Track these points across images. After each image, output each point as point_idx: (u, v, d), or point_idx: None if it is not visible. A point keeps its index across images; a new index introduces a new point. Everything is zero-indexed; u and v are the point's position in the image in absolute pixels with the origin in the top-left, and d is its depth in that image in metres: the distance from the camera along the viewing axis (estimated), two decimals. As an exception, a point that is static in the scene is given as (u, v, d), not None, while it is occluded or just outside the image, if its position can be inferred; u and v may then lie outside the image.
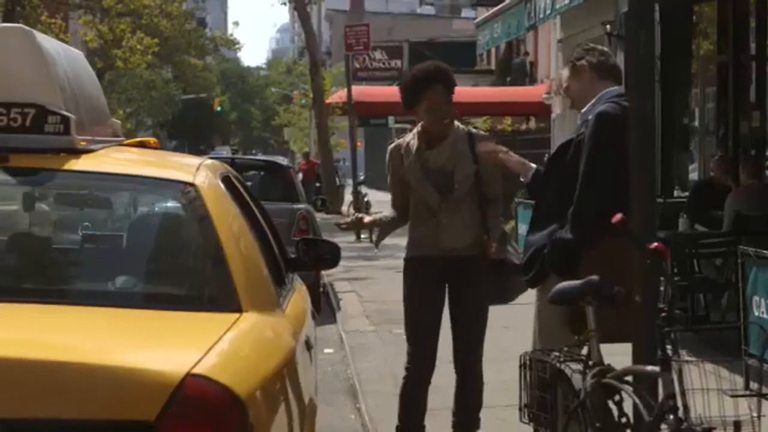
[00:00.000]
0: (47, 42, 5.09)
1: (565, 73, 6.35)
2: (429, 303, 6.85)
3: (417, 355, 6.87)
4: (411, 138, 6.96)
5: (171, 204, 5.12)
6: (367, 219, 7.10)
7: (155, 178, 5.09)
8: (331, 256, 5.89)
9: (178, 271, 4.78)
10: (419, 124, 6.98)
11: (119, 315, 4.31)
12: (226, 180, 5.29)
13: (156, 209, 5.33)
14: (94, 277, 4.80)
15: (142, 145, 5.64)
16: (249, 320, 4.30)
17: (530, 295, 6.42)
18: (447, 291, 6.87)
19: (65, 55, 5.24)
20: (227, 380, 3.65)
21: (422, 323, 6.84)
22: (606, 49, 6.49)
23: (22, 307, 4.28)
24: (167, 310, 4.36)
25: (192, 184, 4.87)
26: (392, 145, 7.09)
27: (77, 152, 4.89)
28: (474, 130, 7.11)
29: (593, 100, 6.09)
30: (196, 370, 3.64)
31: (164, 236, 5.09)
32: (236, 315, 4.28)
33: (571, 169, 5.89)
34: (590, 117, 5.97)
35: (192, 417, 3.58)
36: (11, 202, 5.26)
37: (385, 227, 7.16)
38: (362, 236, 20.92)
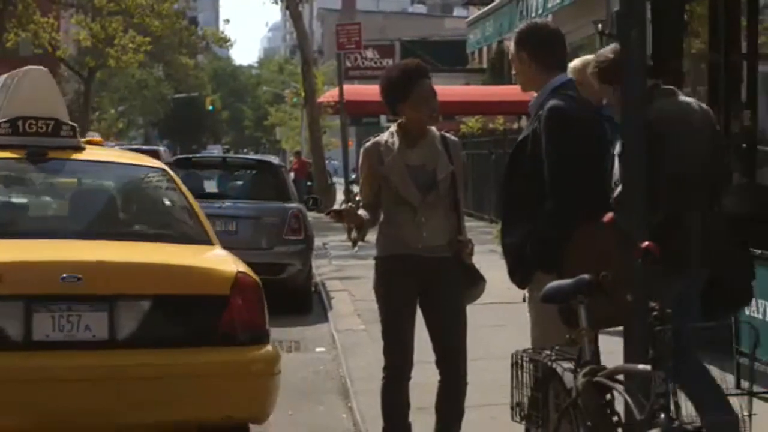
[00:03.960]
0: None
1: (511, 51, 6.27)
2: (406, 301, 6.86)
3: (396, 354, 6.88)
4: (388, 137, 6.96)
5: (157, 180, 7.99)
6: (360, 212, 6.90)
7: (142, 165, 8.22)
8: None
9: (174, 222, 7.75)
10: (396, 123, 6.98)
11: (162, 246, 7.12)
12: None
13: (149, 184, 8.08)
14: (129, 225, 7.84)
15: (89, 142, 8.25)
16: (220, 248, 7.25)
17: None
18: (420, 291, 6.87)
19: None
20: (251, 275, 6.73)
21: (400, 322, 6.84)
22: (548, 23, 6.37)
23: (92, 243, 6.90)
24: (178, 244, 7.18)
25: (164, 169, 8.03)
26: (369, 144, 7.05)
27: (82, 149, 7.75)
28: (446, 134, 7.14)
29: (540, 92, 6.04)
30: (240, 269, 6.71)
31: (158, 200, 8.06)
32: (215, 246, 7.25)
33: (533, 165, 5.87)
34: (541, 112, 5.93)
35: (244, 291, 6.60)
36: (56, 178, 8.07)
37: (365, 226, 7.11)
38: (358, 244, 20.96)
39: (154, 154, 28.82)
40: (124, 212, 7.92)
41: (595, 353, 5.41)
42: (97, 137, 8.73)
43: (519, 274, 6.06)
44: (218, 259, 6.95)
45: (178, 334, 6.42)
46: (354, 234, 7.16)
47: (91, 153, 7.86)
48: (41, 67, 7.95)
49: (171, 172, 7.91)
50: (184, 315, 6.47)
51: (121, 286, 6.35)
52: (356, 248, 8.19)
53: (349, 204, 6.92)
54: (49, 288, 6.24)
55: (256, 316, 6.61)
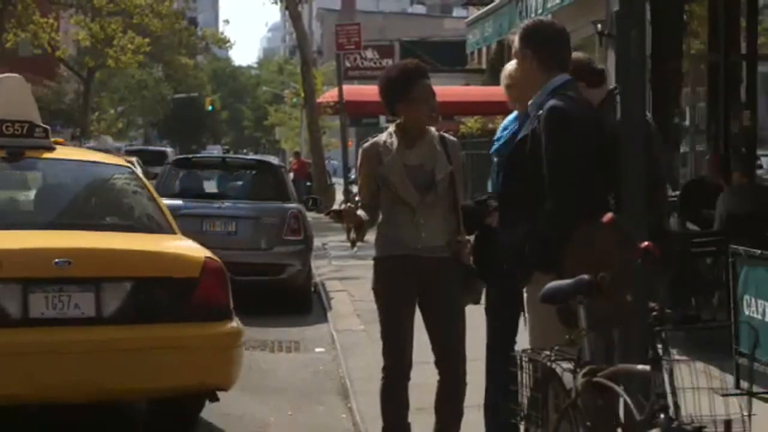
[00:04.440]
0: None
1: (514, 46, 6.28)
2: (405, 302, 6.86)
3: (395, 354, 6.87)
4: (387, 137, 6.95)
5: (124, 177, 8.80)
6: (359, 212, 6.88)
7: (110, 163, 9.32)
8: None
9: (142, 214, 8.50)
10: (395, 124, 6.98)
11: (136, 235, 8.02)
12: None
13: (117, 180, 8.83)
14: (103, 217, 8.53)
15: (56, 142, 8.82)
16: (183, 237, 8.23)
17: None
18: (420, 291, 6.87)
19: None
20: (216, 259, 7.67)
21: (399, 322, 6.84)
22: (554, 22, 6.39)
23: (76, 233, 7.79)
24: (148, 233, 8.12)
25: (129, 167, 9.03)
26: (367, 144, 7.04)
27: (54, 148, 8.56)
28: (445, 134, 7.13)
29: (540, 91, 6.04)
30: (207, 255, 7.67)
31: (127, 194, 8.76)
32: (179, 235, 8.21)
33: (532, 164, 5.87)
34: (541, 112, 5.93)
35: (211, 274, 7.51)
36: (29, 173, 8.86)
37: (364, 226, 7.09)
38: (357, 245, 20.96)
39: (162, 155, 28.95)
40: (97, 205, 8.79)
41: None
42: (60, 139, 9.60)
43: (520, 274, 6.05)
44: (187, 246, 8.01)
45: (156, 311, 7.36)
46: (353, 234, 7.10)
47: (62, 152, 8.76)
48: (16, 74, 8.76)
49: (135, 170, 9.07)
50: (160, 294, 7.41)
51: (105, 270, 7.27)
52: (355, 249, 8.13)
53: (349, 204, 6.90)
54: (44, 272, 7.11)
55: (222, 296, 7.59)
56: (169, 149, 40.87)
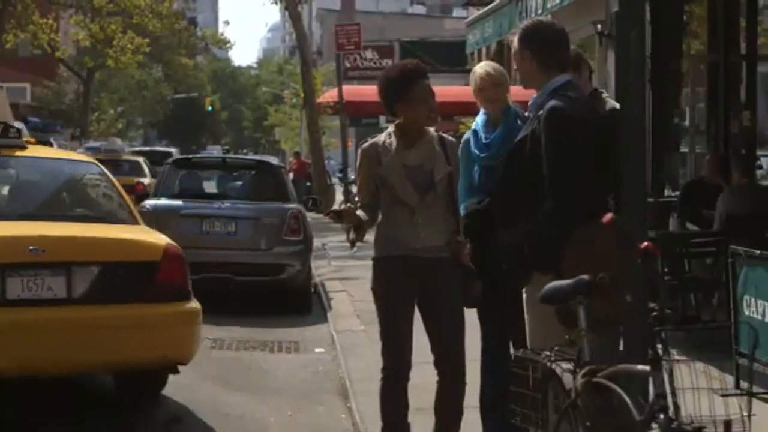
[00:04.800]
0: None
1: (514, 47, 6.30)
2: (404, 302, 6.85)
3: (394, 355, 6.87)
4: (386, 137, 6.96)
5: (92, 173, 9.55)
6: (358, 212, 6.86)
7: (79, 160, 10.09)
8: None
9: (109, 207, 9.26)
10: (394, 124, 6.99)
11: (103, 225, 8.72)
12: None
13: (86, 175, 9.57)
14: (74, 209, 9.18)
15: (27, 142, 9.50)
16: (146, 227, 9.11)
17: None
18: (419, 291, 6.87)
19: None
20: (176, 245, 8.46)
21: (399, 323, 6.83)
22: (554, 23, 6.40)
23: (49, 223, 8.41)
24: (114, 224, 8.82)
25: (96, 164, 9.77)
26: (367, 144, 7.04)
27: (26, 147, 9.23)
28: (443, 134, 7.13)
29: (541, 92, 6.05)
30: (167, 242, 8.47)
31: (94, 188, 9.51)
32: (141, 225, 9.04)
33: (532, 164, 5.88)
34: (541, 112, 5.93)
35: (171, 258, 8.29)
36: (3, 170, 9.36)
37: (364, 227, 7.08)
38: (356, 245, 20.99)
39: (169, 155, 29.31)
40: (68, 198, 9.48)
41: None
42: (32, 139, 10.27)
43: (520, 274, 6.05)
44: (149, 234, 8.84)
45: (122, 292, 8.07)
46: (352, 234, 7.08)
47: (34, 151, 9.43)
48: None
49: (101, 166, 9.77)
50: (125, 277, 8.14)
51: (75, 256, 8.01)
52: (354, 249, 8.17)
53: (348, 204, 6.90)
54: (20, 258, 7.82)
55: (181, 278, 8.37)
56: (174, 150, 41.35)
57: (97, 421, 8.53)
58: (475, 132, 7.16)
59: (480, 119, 7.19)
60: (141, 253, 8.32)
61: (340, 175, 32.69)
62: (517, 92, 7.34)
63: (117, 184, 9.41)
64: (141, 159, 31.46)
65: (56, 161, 9.75)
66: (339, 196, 32.79)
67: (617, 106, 6.41)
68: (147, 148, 48.20)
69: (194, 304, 8.47)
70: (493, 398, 6.86)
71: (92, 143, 42.78)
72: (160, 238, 8.61)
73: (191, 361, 8.48)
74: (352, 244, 7.36)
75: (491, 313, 6.99)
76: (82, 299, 7.94)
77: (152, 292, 8.13)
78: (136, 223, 9.00)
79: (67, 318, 7.88)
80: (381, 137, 7.00)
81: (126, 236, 8.53)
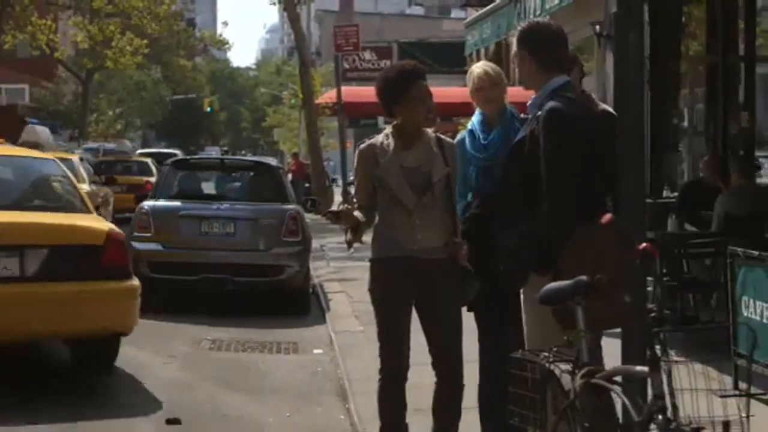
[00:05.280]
0: None
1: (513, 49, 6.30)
2: (402, 303, 6.84)
3: (392, 356, 6.85)
4: (384, 138, 6.95)
5: (50, 168, 10.79)
6: (356, 213, 6.81)
7: (38, 157, 11.40)
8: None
9: (63, 198, 10.45)
10: (391, 125, 6.98)
11: (56, 214, 9.83)
12: None
13: (44, 171, 10.78)
14: (31, 200, 10.32)
15: None
16: (96, 215, 10.35)
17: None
18: (416, 292, 6.86)
19: None
20: (118, 230, 9.68)
21: (396, 324, 6.82)
22: (551, 23, 6.40)
23: (5, 212, 9.43)
24: (67, 213, 9.93)
25: (55, 161, 11.10)
26: (364, 145, 7.03)
27: None
28: (441, 135, 7.13)
29: (540, 92, 6.05)
30: (111, 228, 9.65)
31: (51, 182, 10.70)
32: (93, 214, 10.24)
33: (531, 165, 5.88)
34: (540, 113, 5.93)
35: (114, 242, 9.42)
36: None
37: (361, 227, 7.06)
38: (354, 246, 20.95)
39: (173, 157, 30.30)
40: (25, 190, 10.57)
41: (597, 355, 5.42)
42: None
43: (519, 276, 6.05)
44: (95, 221, 10.00)
45: (69, 271, 9.20)
46: (349, 235, 7.07)
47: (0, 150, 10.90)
48: None
49: (59, 163, 11.07)
50: (73, 258, 9.24)
51: (27, 239, 9.16)
52: (352, 250, 8.19)
53: (346, 205, 6.89)
54: None
55: (123, 259, 9.56)
56: (178, 152, 42.22)
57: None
58: (471, 132, 7.16)
59: (476, 119, 7.19)
60: (86, 237, 9.42)
61: (336, 176, 32.66)
62: (517, 93, 7.34)
63: (72, 177, 10.87)
64: (149, 160, 33.96)
65: (17, 158, 11.21)
66: (338, 197, 32.78)
67: (608, 108, 6.41)
68: (153, 150, 49.12)
69: (135, 282, 9.64)
70: (492, 399, 6.86)
71: (91, 144, 42.85)
72: (105, 225, 9.82)
73: (132, 332, 9.62)
74: (350, 245, 7.35)
75: (489, 314, 6.99)
76: (34, 277, 9.07)
77: (96, 272, 9.27)
78: (87, 212, 10.20)
79: (20, 292, 9.01)
80: (379, 138, 7.00)
81: (74, 222, 9.68)
